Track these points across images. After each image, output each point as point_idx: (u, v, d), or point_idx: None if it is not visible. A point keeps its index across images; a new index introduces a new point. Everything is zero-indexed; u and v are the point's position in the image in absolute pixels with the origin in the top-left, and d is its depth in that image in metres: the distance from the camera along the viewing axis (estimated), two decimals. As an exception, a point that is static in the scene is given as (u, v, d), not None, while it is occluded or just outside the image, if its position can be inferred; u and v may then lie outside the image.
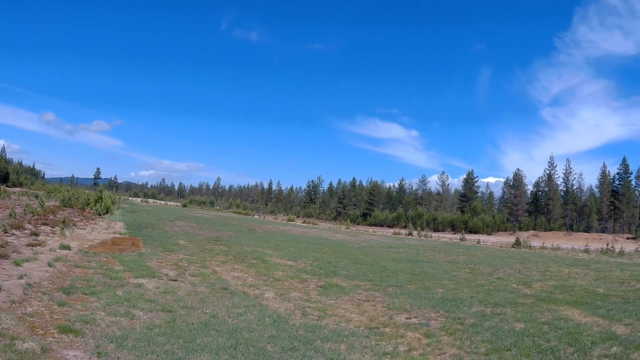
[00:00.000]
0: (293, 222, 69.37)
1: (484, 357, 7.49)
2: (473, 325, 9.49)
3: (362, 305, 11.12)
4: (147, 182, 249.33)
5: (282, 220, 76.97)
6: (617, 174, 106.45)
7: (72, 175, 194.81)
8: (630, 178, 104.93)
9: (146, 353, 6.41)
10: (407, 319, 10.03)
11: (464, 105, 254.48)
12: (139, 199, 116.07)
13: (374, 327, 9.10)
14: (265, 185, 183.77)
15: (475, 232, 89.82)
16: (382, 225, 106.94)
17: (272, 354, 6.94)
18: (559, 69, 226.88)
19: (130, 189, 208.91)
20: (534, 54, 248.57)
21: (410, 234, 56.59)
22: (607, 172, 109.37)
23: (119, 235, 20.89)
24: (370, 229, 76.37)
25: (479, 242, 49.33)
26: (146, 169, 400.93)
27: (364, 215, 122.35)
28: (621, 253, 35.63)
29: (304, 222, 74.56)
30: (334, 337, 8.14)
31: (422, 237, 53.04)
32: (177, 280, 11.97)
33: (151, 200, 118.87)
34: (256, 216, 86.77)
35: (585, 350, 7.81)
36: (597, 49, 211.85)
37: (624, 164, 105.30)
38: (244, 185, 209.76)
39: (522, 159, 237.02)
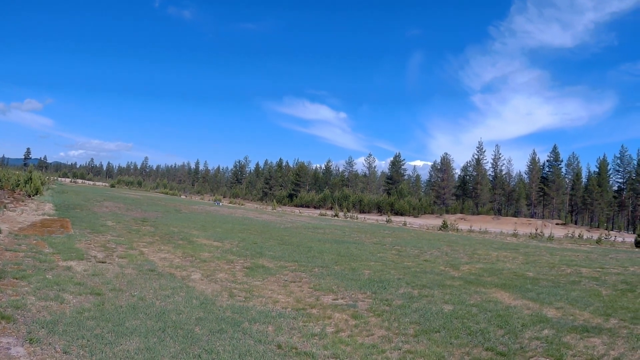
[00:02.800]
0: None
1: (413, 339, 7.84)
2: (401, 307, 9.89)
3: (288, 286, 11.41)
4: (76, 162, 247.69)
5: (209, 200, 77.88)
6: (547, 161, 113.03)
7: (3, 156, 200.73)
8: (560, 165, 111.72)
9: (77, 338, 6.55)
10: (334, 300, 10.37)
11: (394, 89, 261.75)
12: (68, 180, 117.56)
13: (301, 309, 9.37)
14: (192, 165, 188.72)
15: (402, 215, 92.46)
16: (308, 207, 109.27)
17: (200, 336, 7.14)
18: (492, 57, 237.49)
19: (60, 169, 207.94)
20: (468, 41, 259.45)
21: (336, 215, 58.04)
22: (536, 159, 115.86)
23: (48, 217, 21.26)
24: (297, 210, 78.02)
25: (405, 224, 50.77)
26: (76, 149, 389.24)
27: (291, 196, 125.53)
28: (551, 238, 37.73)
29: (230, 203, 76.28)
30: (261, 319, 8.37)
31: (349, 219, 54.67)
32: (106, 262, 12.12)
33: (80, 181, 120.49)
34: (183, 196, 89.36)
35: (516, 333, 8.35)
36: (533, 40, 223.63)
37: (555, 152, 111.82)
38: (171, 165, 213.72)
39: (451, 144, 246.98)
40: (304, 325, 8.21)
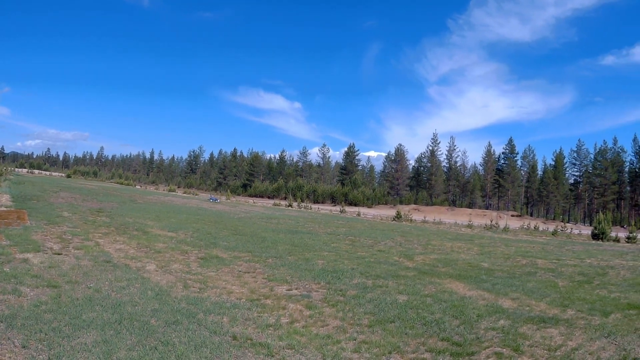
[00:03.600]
0: (174, 193, 70.93)
1: (368, 329, 7.88)
2: (355, 297, 9.95)
3: (242, 277, 11.43)
4: (32, 152, 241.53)
5: (163, 190, 78.58)
6: (503, 153, 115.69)
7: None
8: (516, 158, 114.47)
9: (35, 332, 6.61)
10: (288, 290, 10.41)
11: (349, 80, 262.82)
12: (24, 170, 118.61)
13: (255, 299, 9.40)
14: (148, 155, 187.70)
15: (356, 205, 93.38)
16: (262, 197, 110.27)
17: (156, 328, 7.19)
18: (450, 50, 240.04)
19: (17, 159, 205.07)
20: (426, 33, 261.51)
21: (290, 205, 58.76)
22: (492, 151, 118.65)
23: (5, 208, 21.44)
24: (251, 200, 78.52)
25: (359, 214, 51.37)
26: (32, 139, 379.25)
27: (245, 186, 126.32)
28: (506, 229, 38.53)
29: (184, 193, 76.83)
30: (216, 310, 8.40)
31: (302, 209, 55.35)
32: (62, 254, 12.15)
33: (37, 171, 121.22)
34: (138, 187, 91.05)
35: (472, 323, 8.44)
36: (492, 33, 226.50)
37: (510, 144, 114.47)
38: (127, 155, 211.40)
39: (405, 135, 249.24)
40: (259, 316, 8.25)
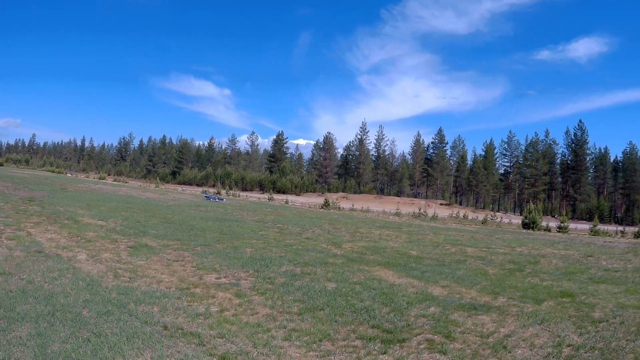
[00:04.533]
0: (104, 181, 70.33)
1: (297, 317, 7.94)
2: (284, 285, 10.02)
3: (172, 266, 11.41)
4: None
5: (94, 178, 78.05)
6: (432, 143, 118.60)
7: None
8: (445, 148, 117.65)
9: None
10: (217, 278, 10.44)
11: (280, 68, 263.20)
12: None
13: (184, 288, 9.40)
14: (79, 142, 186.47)
15: (284, 193, 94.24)
16: (191, 184, 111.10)
17: (88, 319, 7.17)
18: (382, 40, 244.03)
19: None
20: (359, 22, 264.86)
21: (218, 192, 58.94)
22: (421, 140, 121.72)
23: None
24: (179, 188, 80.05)
25: (287, 202, 52.03)
26: None
27: (174, 174, 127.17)
28: (434, 218, 39.39)
29: (114, 181, 77.11)
30: (146, 299, 8.37)
31: (230, 196, 56.05)
32: None
33: None
34: (69, 174, 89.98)
35: (402, 311, 8.57)
36: (426, 25, 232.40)
37: (440, 134, 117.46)
38: (58, 142, 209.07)
39: (335, 123, 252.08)
40: (189, 305, 8.27)
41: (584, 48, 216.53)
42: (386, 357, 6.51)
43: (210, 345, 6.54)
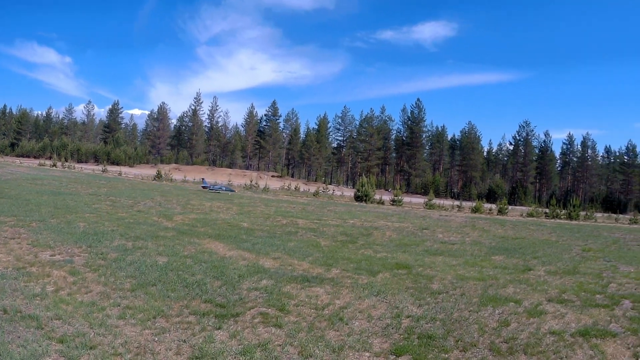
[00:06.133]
0: None
1: (130, 294, 7.72)
2: (116, 260, 9.73)
3: (8, 244, 10.78)
4: None
5: None
6: (266, 115, 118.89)
7: None
8: (278, 120, 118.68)
9: None
10: (52, 256, 9.97)
11: (121, 35, 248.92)
12: None
13: (21, 267, 8.95)
14: None
15: (118, 164, 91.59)
16: (29, 156, 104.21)
17: None
18: (225, 10, 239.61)
19: None
20: None
21: (54, 165, 57.25)
22: (254, 112, 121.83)
23: None
24: (17, 160, 74.63)
25: (120, 174, 51.10)
26: None
27: (12, 146, 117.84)
28: (266, 190, 39.76)
29: None
30: None
31: (66, 169, 54.41)
32: None
33: None
34: None
35: (234, 284, 8.55)
36: None
37: (274, 107, 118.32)
38: None
39: (171, 94, 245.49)
40: (26, 286, 7.90)
41: (430, 31, 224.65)
42: (221, 333, 6.46)
43: (49, 328, 6.30)
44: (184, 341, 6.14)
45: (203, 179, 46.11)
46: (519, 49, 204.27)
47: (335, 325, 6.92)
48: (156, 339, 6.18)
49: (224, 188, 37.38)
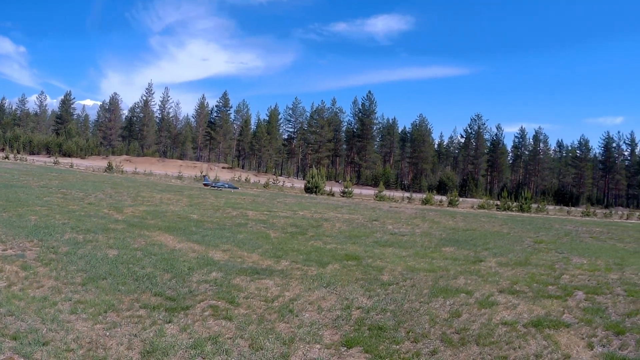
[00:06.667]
0: None
1: (82, 288, 7.69)
2: (67, 254, 9.66)
3: None
4: None
5: None
6: (216, 106, 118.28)
7: None
8: (229, 111, 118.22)
9: None
10: (4, 250, 9.82)
11: (75, 25, 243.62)
12: None
13: None
14: None
15: (70, 156, 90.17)
16: None
17: None
18: (178, 0, 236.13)
19: None
20: None
21: (7, 157, 56.97)
22: (205, 103, 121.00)
23: None
24: None
25: (72, 166, 50.60)
26: None
27: None
28: (216, 180, 39.48)
29: None
30: None
31: (19, 161, 54.35)
32: None
33: None
34: None
35: (184, 277, 8.59)
36: None
37: (225, 98, 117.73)
38: None
39: (123, 84, 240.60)
40: None
41: (383, 24, 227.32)
42: (172, 326, 6.51)
43: (2, 325, 6.26)
44: (135, 335, 6.17)
45: (204, 176, 43.93)
46: (473, 42, 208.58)
47: (285, 317, 7.03)
48: (107, 333, 6.19)
49: (226, 185, 36.46)
